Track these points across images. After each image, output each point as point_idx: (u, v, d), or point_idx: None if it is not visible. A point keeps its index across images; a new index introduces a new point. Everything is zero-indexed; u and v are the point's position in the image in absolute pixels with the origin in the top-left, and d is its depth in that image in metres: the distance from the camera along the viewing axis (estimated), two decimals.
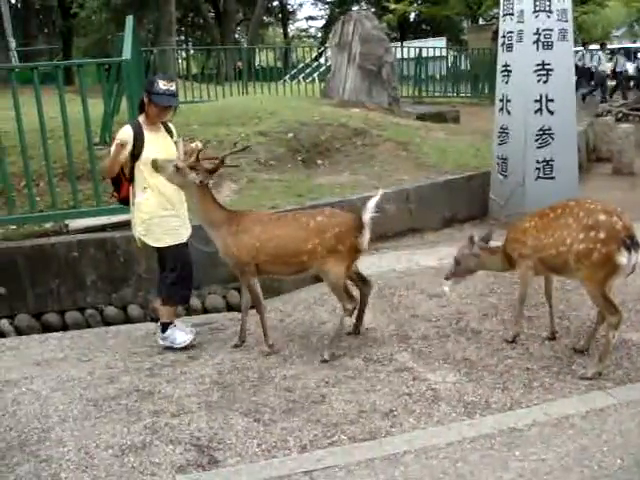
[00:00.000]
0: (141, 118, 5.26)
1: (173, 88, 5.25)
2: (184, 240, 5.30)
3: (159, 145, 5.21)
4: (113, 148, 5.07)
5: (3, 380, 4.92)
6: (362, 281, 5.31)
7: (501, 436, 3.80)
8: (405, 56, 19.25)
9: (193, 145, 5.26)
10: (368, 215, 4.82)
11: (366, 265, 6.73)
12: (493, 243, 5.25)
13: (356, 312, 5.21)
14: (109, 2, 34.47)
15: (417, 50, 19.42)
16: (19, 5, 35.99)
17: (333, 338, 5.01)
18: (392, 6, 28.97)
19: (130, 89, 6.89)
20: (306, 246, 4.86)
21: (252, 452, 3.83)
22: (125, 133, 5.13)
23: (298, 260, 4.93)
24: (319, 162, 9.26)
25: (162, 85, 5.12)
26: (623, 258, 4.31)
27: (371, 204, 4.82)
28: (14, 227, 6.89)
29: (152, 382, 4.75)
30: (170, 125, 5.50)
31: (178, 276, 5.21)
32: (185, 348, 5.29)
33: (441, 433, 3.91)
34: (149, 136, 5.18)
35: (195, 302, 6.45)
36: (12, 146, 7.42)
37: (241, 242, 4.97)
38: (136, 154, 5.11)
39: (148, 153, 5.10)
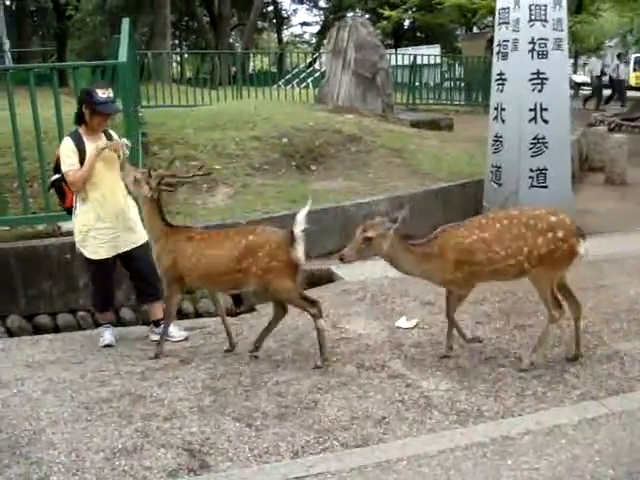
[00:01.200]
0: (81, 129, 5.35)
1: (112, 95, 5.38)
2: (123, 250, 5.46)
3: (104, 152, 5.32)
4: (91, 156, 5.22)
5: None
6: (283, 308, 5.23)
7: (494, 444, 3.79)
8: (399, 63, 19.30)
9: (120, 142, 5.39)
10: (299, 228, 4.83)
11: (359, 272, 6.78)
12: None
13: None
14: (104, 5, 34.49)
15: (411, 57, 19.48)
16: (14, 7, 35.92)
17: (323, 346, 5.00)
18: (387, 13, 29.13)
19: (125, 92, 6.88)
20: (239, 265, 4.86)
21: (244, 457, 3.81)
22: (68, 147, 5.27)
23: (231, 278, 4.94)
24: (313, 168, 9.27)
25: (101, 94, 5.23)
26: (582, 248, 4.64)
27: (300, 216, 4.84)
28: (7, 229, 6.87)
29: (144, 386, 4.72)
30: (110, 131, 5.60)
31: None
32: (176, 353, 5.27)
33: (433, 441, 3.89)
34: (90, 146, 5.26)
35: (187, 306, 6.43)
36: (6, 147, 7.41)
37: (171, 260, 5.05)
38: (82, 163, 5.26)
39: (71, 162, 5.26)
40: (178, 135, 8.87)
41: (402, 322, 5.60)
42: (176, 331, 5.62)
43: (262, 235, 4.95)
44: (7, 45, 28.57)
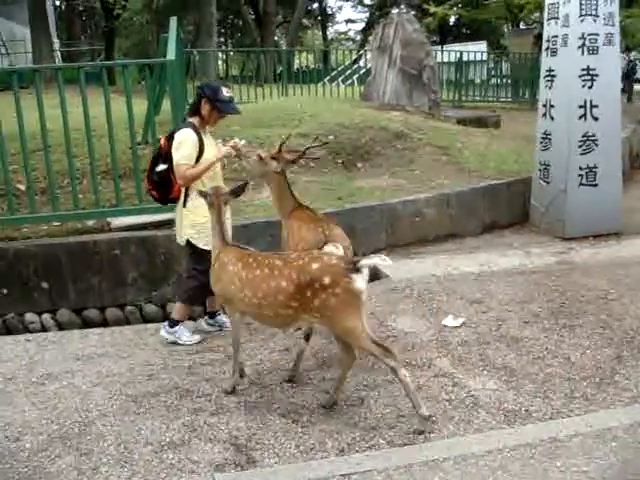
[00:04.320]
0: (194, 121, 5.31)
1: (233, 95, 5.41)
2: None
3: (213, 147, 5.29)
4: (210, 160, 5.19)
5: (45, 373, 4.99)
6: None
7: (542, 446, 3.75)
8: (445, 60, 19.16)
9: (232, 143, 5.31)
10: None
11: (406, 269, 6.76)
12: None
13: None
14: (150, 4, 34.95)
15: (457, 54, 19.32)
16: (63, 7, 36.62)
17: None
18: (432, 9, 28.87)
19: (174, 90, 6.95)
20: None
21: (290, 453, 3.83)
22: (191, 138, 5.18)
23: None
24: (359, 165, 9.26)
25: (226, 93, 5.25)
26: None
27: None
28: (58, 224, 7.00)
29: (191, 380, 4.78)
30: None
31: (205, 280, 5.11)
32: (223, 348, 5.31)
33: (481, 441, 3.86)
34: (205, 139, 5.27)
35: None
36: (56, 144, 7.55)
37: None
38: (197, 157, 5.20)
39: (207, 156, 5.20)
40: (225, 132, 8.90)
41: (449, 320, 5.57)
42: (188, 335, 5.57)
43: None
44: (57, 44, 29.15)
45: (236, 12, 39.90)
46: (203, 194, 4.69)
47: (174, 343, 5.51)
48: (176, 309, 5.59)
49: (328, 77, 20.96)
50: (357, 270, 3.89)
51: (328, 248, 4.64)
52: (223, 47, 42.58)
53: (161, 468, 3.73)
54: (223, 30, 46.23)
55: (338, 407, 4.31)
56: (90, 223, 6.99)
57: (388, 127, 10.18)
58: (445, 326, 5.52)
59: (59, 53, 29.43)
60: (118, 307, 6.60)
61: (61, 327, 6.39)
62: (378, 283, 6.58)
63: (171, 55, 7.00)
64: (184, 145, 5.14)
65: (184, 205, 5.35)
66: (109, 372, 4.99)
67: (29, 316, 6.44)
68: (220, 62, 27.32)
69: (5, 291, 6.43)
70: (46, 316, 6.47)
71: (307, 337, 4.74)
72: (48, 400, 4.55)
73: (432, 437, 3.94)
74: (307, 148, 5.57)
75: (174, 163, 5.19)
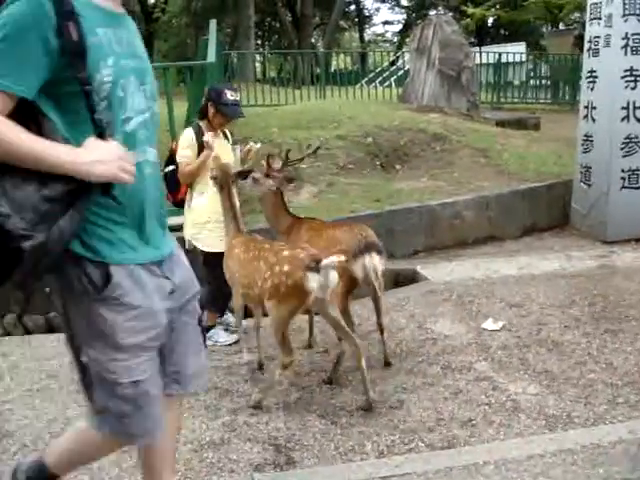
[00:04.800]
0: (202, 123, 5.40)
1: (238, 98, 5.48)
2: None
3: (220, 150, 5.31)
4: (205, 153, 5.21)
5: None
6: None
7: (584, 452, 3.69)
8: (484, 61, 19.00)
9: (248, 147, 5.35)
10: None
11: (444, 272, 6.74)
12: None
13: None
14: (189, 7, 35.26)
15: (496, 55, 19.15)
16: None
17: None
18: (470, 10, 28.65)
19: None
20: None
21: (329, 455, 3.84)
22: (187, 138, 5.33)
23: None
24: (397, 167, 9.24)
25: (230, 96, 5.29)
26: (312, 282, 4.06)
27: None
28: None
29: (230, 380, 4.81)
30: (226, 130, 5.64)
31: (220, 282, 5.15)
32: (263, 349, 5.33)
33: (521, 445, 3.82)
34: (216, 142, 5.31)
35: None
36: None
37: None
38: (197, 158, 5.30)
39: (186, 154, 5.31)
40: (263, 134, 8.96)
41: (488, 324, 5.53)
42: (224, 335, 5.66)
43: None
44: None
45: (273, 14, 40.08)
46: (212, 176, 4.88)
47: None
48: (207, 316, 5.59)
49: (365, 79, 20.94)
50: (316, 270, 4.00)
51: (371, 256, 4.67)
52: (260, 49, 42.77)
53: (201, 467, 3.76)
54: (260, 32, 46.40)
55: (377, 409, 4.31)
56: None
57: (426, 129, 10.15)
58: (485, 329, 5.48)
59: None
60: None
61: None
62: (417, 286, 6.57)
63: (211, 57, 7.07)
64: (181, 144, 5.33)
65: (189, 205, 5.46)
66: None
67: None
68: (258, 64, 27.39)
69: (48, 289, 6.52)
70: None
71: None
72: None
73: (472, 441, 3.92)
74: (301, 158, 5.60)
75: (178, 162, 5.36)
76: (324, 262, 3.98)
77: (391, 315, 5.76)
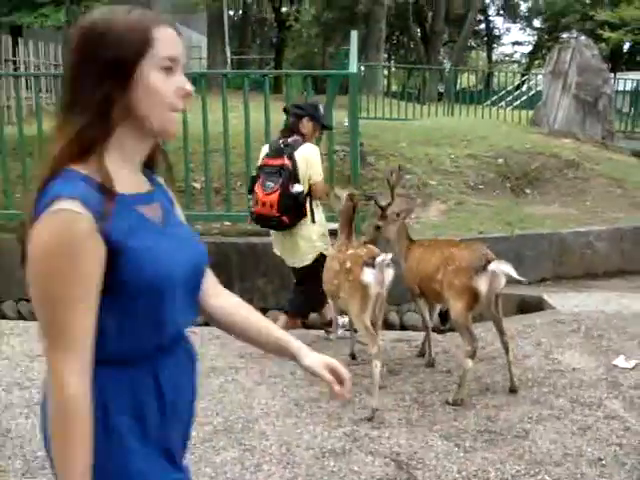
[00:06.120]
0: (296, 138, 5.40)
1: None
2: None
3: None
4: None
5: (210, 367, 5.16)
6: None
7: None
8: (619, 88, 18.36)
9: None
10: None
11: (573, 303, 6.52)
12: None
13: None
14: (320, 17, 35.83)
15: (633, 82, 18.47)
16: (236, 17, 38.23)
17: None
18: (606, 34, 27.69)
19: (354, 101, 7.07)
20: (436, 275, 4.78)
21: (452, 477, 3.76)
22: (319, 155, 5.53)
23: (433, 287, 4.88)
24: (527, 191, 9.06)
25: (321, 110, 5.61)
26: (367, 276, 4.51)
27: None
28: (229, 224, 7.29)
29: (353, 391, 4.79)
30: None
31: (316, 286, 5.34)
32: (385, 363, 5.31)
33: None
34: None
35: (394, 317, 6.48)
36: (233, 147, 7.86)
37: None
38: None
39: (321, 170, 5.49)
40: (393, 148, 8.98)
41: (620, 361, 5.30)
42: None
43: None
44: (228, 52, 30.45)
45: (403, 29, 40.13)
46: (337, 196, 5.22)
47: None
48: (284, 322, 5.64)
49: (492, 99, 20.62)
50: (372, 265, 4.46)
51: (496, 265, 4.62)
52: (386, 63, 42.92)
53: (322, 474, 3.76)
54: (387, 46, 46.59)
55: (501, 436, 4.20)
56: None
57: (559, 154, 9.91)
58: (616, 366, 5.26)
59: (230, 60, 30.76)
60: (280, 310, 6.75)
61: None
62: (543, 314, 6.39)
63: (353, 67, 7.13)
64: (317, 161, 5.40)
65: (313, 220, 5.45)
66: (272, 373, 5.10)
67: None
68: (383, 78, 27.48)
69: None
70: None
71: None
72: (213, 393, 4.70)
73: None
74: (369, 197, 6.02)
75: (314, 179, 5.36)
76: (378, 258, 4.44)
77: (517, 341, 5.62)
